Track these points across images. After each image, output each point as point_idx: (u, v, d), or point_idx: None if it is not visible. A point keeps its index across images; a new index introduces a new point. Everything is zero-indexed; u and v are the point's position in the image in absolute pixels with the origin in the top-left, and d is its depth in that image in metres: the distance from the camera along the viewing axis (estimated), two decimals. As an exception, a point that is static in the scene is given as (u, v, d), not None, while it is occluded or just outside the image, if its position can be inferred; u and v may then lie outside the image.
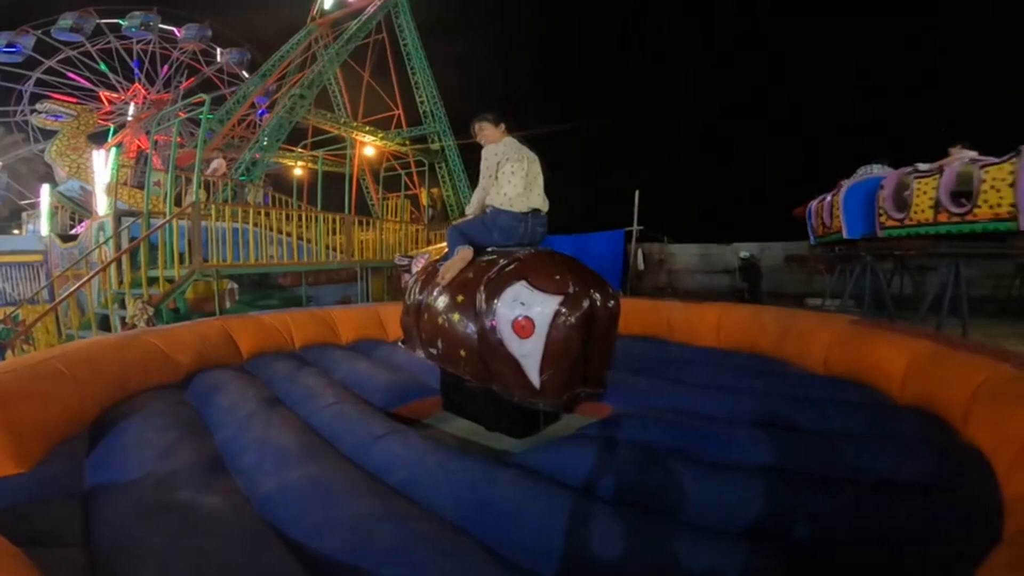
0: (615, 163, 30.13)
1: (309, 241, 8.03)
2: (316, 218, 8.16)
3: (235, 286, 6.99)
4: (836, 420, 2.37)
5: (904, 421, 2.30)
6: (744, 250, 13.43)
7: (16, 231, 15.73)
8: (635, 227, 10.64)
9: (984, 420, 1.94)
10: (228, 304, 6.79)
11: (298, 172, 17.43)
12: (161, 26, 21.14)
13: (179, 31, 21.62)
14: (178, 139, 9.04)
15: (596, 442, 2.24)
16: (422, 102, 19.70)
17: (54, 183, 12.01)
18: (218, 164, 10.53)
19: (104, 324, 6.27)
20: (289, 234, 7.61)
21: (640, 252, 11.65)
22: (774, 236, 15.33)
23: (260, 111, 19.12)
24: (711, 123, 30.40)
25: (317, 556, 1.42)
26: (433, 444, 2.24)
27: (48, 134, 14.39)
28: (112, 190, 8.92)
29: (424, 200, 17.37)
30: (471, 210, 3.04)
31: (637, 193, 10.35)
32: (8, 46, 18.15)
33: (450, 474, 1.95)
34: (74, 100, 18.23)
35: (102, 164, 9.57)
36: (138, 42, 20.76)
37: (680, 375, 3.38)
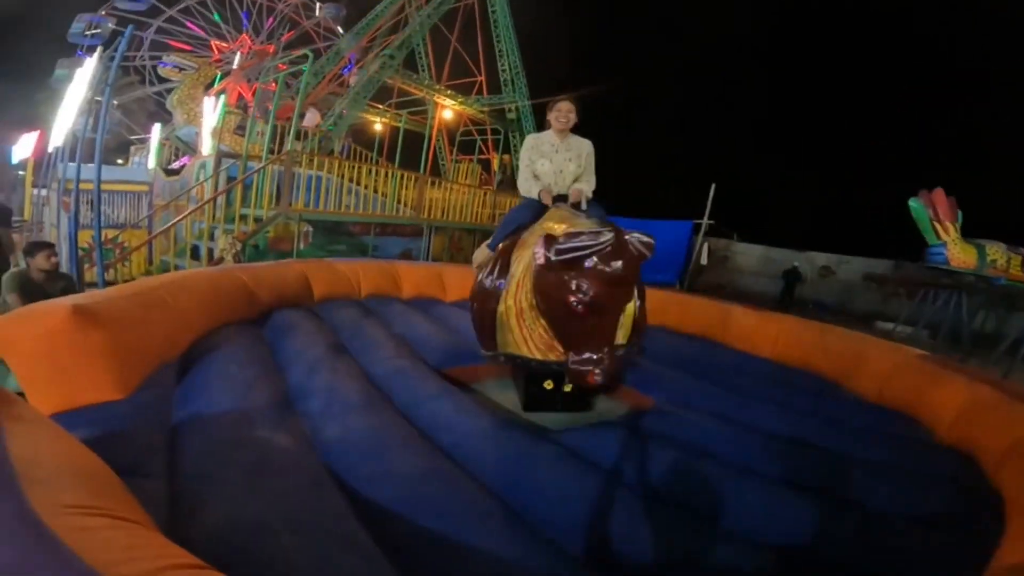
0: (695, 149, 28.82)
1: (383, 195, 8.42)
2: (392, 174, 8.52)
3: (310, 229, 7.45)
4: (872, 449, 2.36)
5: (939, 461, 2.30)
6: (800, 261, 13.49)
7: (120, 161, 17.22)
8: (705, 220, 10.27)
9: (1013, 469, 1.94)
10: (303, 245, 7.27)
11: (379, 128, 17.88)
12: None
13: None
14: (276, 88, 9.60)
15: (634, 431, 2.33)
16: (504, 70, 19.54)
17: (164, 121, 13.12)
18: (312, 115, 11.07)
19: (194, 253, 6.90)
20: (366, 187, 8.01)
21: (706, 247, 11.27)
22: (854, 250, 14.31)
23: (347, 67, 19.66)
24: (807, 117, 28.30)
25: (369, 504, 1.56)
26: (480, 410, 2.38)
27: (162, 79, 15.55)
28: (217, 133, 9.65)
29: (495, 166, 17.47)
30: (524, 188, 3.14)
31: (713, 186, 9.95)
32: None
33: (494, 442, 2.07)
34: (189, 48, 19.48)
35: (210, 109, 10.33)
36: None
37: (728, 379, 3.36)
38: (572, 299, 1.98)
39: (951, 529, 1.71)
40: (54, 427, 1.16)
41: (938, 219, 6.60)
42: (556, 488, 1.79)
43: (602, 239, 1.92)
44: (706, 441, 2.33)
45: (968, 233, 6.84)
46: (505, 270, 2.74)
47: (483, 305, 2.81)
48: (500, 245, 2.99)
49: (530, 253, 2.30)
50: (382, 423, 2.08)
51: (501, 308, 2.64)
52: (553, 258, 1.97)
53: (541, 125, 3.21)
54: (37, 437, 1.01)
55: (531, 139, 3.13)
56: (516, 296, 2.52)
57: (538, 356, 2.51)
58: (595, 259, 1.94)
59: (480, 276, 2.95)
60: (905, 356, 3.31)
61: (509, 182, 14.15)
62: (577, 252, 1.94)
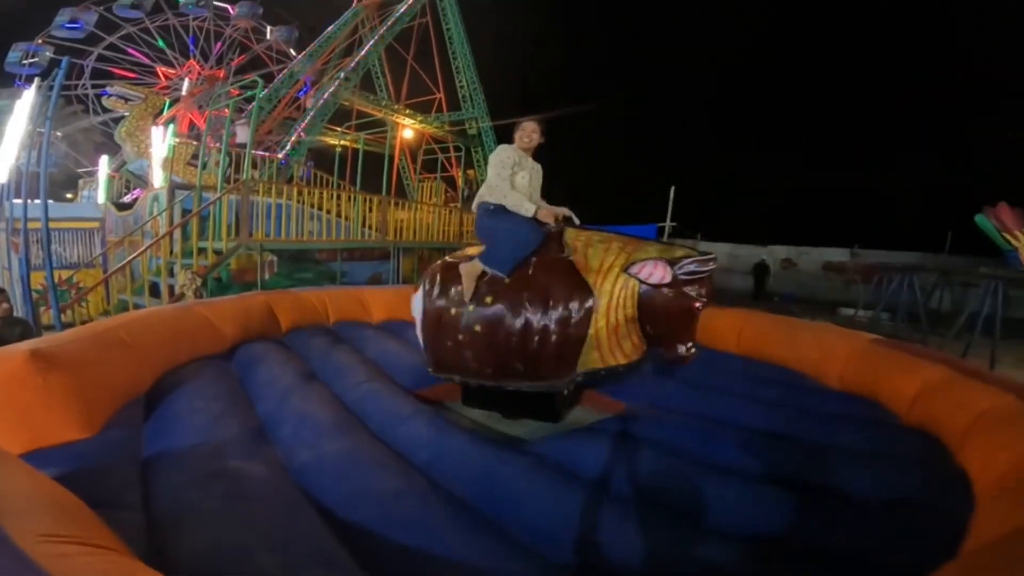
0: (652, 153, 29.64)
1: (347, 219, 8.37)
2: (354, 198, 8.49)
3: (274, 258, 7.34)
4: (838, 434, 2.44)
5: (903, 441, 2.37)
6: (764, 255, 14.20)
7: (69, 196, 16.57)
8: (668, 222, 10.57)
9: (976, 447, 2.01)
10: (267, 276, 7.15)
11: (338, 150, 17.84)
12: (215, 3, 21.70)
13: (232, 8, 22.16)
14: (227, 114, 9.46)
15: (607, 436, 2.37)
16: (462, 87, 19.85)
17: (111, 153, 12.71)
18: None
19: (154, 291, 6.71)
20: (328, 211, 7.95)
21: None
22: (813, 240, 14.97)
23: (302, 89, 19.54)
24: (756, 113, 29.50)
25: (347, 524, 1.59)
26: (454, 427, 2.40)
27: (107, 109, 15.11)
28: (168, 164, 9.43)
29: (460, 181, 17.59)
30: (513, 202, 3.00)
31: (673, 189, 10.27)
32: (71, 22, 18.78)
33: (469, 457, 2.10)
34: (133, 76, 18.99)
35: (159, 139, 10.08)
36: (194, 19, 21.32)
37: (696, 378, 3.44)
38: (698, 304, 2.59)
39: (923, 510, 1.77)
40: (23, 465, 1.19)
41: (1006, 229, 7.41)
42: (534, 498, 1.83)
43: (711, 258, 2.58)
44: (679, 441, 2.38)
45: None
46: (546, 295, 2.63)
47: (557, 333, 2.62)
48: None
49: (623, 277, 2.63)
50: (356, 445, 2.10)
51: (592, 331, 2.59)
52: (680, 276, 2.54)
53: (503, 141, 3.19)
54: (8, 475, 1.04)
55: (510, 149, 2.92)
56: (609, 315, 2.61)
57: (625, 361, 2.74)
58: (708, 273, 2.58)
59: (505, 307, 2.70)
60: (860, 342, 3.43)
61: (473, 197, 14.26)
62: (700, 272, 2.56)
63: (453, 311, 2.86)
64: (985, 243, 7.68)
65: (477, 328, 2.76)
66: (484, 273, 2.83)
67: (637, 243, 2.79)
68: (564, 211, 2.94)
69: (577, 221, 2.96)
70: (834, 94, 27.99)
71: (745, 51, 29.72)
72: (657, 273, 2.55)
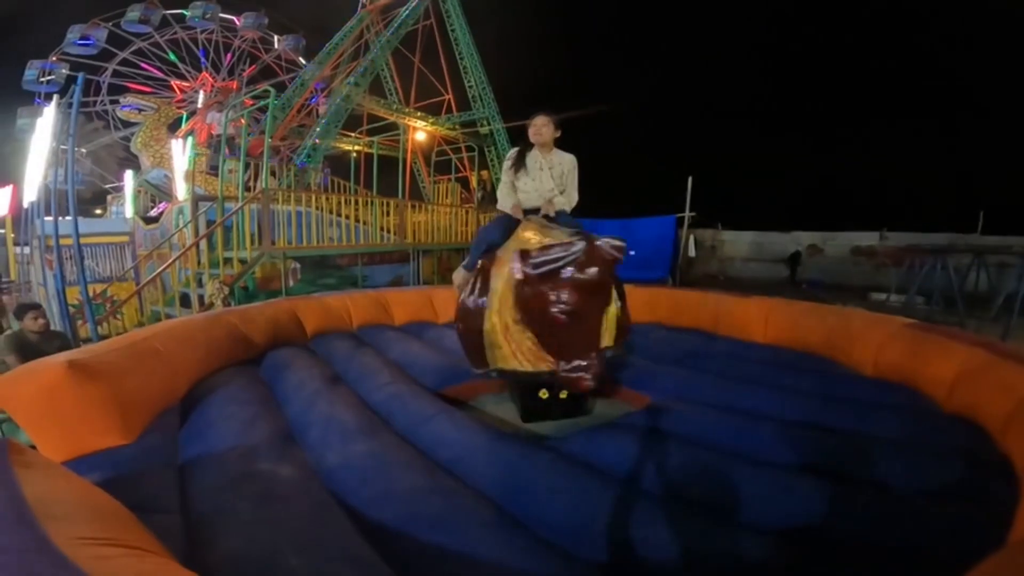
0: (670, 143, 29.24)
1: (365, 223, 8.48)
2: (372, 202, 8.57)
3: (298, 266, 7.45)
4: (874, 423, 2.36)
5: (943, 429, 2.28)
6: (797, 244, 14.49)
7: (99, 212, 17.07)
8: (687, 213, 10.41)
9: (1020, 433, 1.92)
10: (292, 283, 7.26)
11: (354, 155, 18.03)
12: (221, 15, 22.00)
13: (238, 19, 22.48)
14: (243, 125, 9.65)
15: (632, 431, 2.34)
16: (470, 86, 19.80)
17: (135, 168, 13.07)
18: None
19: (184, 301, 6.89)
20: (347, 217, 8.05)
21: (692, 239, 11.44)
22: (840, 225, 14.61)
23: (314, 96, 19.77)
24: (776, 98, 28.87)
25: (374, 524, 1.61)
26: (478, 425, 2.40)
27: (127, 123, 15.53)
28: (190, 177, 9.66)
29: (474, 183, 17.61)
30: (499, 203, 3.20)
31: (691, 179, 10.11)
32: (82, 39, 19.17)
33: (493, 454, 2.09)
34: (149, 90, 19.43)
35: (180, 152, 10.33)
36: (202, 32, 21.69)
37: (723, 369, 3.40)
38: (554, 310, 2.10)
39: (967, 500, 1.70)
40: (65, 471, 1.24)
41: None
42: (560, 494, 1.81)
43: (573, 249, 2.02)
44: (707, 433, 2.34)
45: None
46: (485, 288, 2.77)
47: (468, 324, 2.82)
48: (478, 264, 2.98)
49: (508, 269, 2.35)
50: (382, 446, 2.12)
51: (487, 326, 2.65)
52: (531, 272, 2.05)
53: (515, 140, 3.24)
54: (49, 480, 1.08)
55: (511, 153, 3.18)
56: (500, 313, 2.57)
57: (528, 368, 2.56)
58: (570, 269, 2.04)
59: (462, 296, 2.95)
60: (893, 326, 3.33)
61: (490, 198, 14.28)
62: (552, 264, 2.04)
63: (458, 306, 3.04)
64: (1018, 220, 7.39)
65: (459, 325, 2.94)
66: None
67: (547, 231, 2.57)
68: (545, 201, 3.01)
69: (551, 213, 2.99)
70: (854, 76, 27.28)
71: (763, 37, 29.17)
72: (515, 267, 2.13)
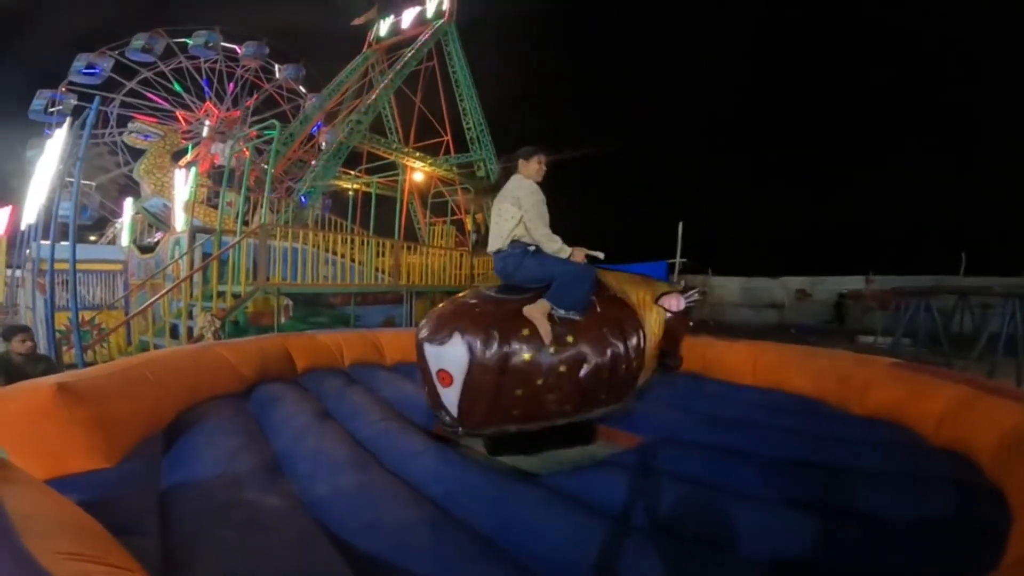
0: (659, 190, 30.00)
1: (360, 263, 8.48)
2: (367, 242, 8.64)
3: (290, 303, 7.44)
4: (864, 458, 2.40)
5: (932, 462, 2.33)
6: (773, 287, 14.62)
7: (92, 238, 16.90)
8: (678, 259, 10.56)
9: (1009, 463, 1.97)
10: (283, 319, 7.23)
11: (352, 193, 18.28)
12: (224, 44, 22.39)
13: (239, 48, 22.88)
14: (247, 157, 9.80)
15: (623, 468, 2.35)
16: (469, 128, 20.21)
17: (136, 196, 13.10)
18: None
19: (174, 332, 6.82)
20: (343, 255, 8.09)
21: (683, 284, 11.55)
22: (826, 270, 14.88)
23: (314, 128, 20.09)
24: (761, 146, 29.93)
25: (361, 555, 1.58)
26: (468, 462, 2.40)
27: (136, 153, 15.65)
28: (189, 207, 9.71)
29: (469, 226, 17.81)
30: (557, 247, 2.94)
31: (680, 225, 10.33)
32: (88, 67, 19.32)
33: (482, 490, 2.09)
34: (155, 120, 19.68)
35: (182, 182, 10.41)
36: (205, 61, 22.02)
37: (712, 410, 3.42)
38: (692, 324, 3.36)
39: (959, 527, 1.74)
40: (48, 489, 1.23)
41: None
42: (549, 529, 1.81)
43: (697, 293, 3.21)
44: (699, 471, 2.34)
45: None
46: (621, 327, 2.87)
47: (635, 359, 2.88)
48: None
49: (655, 307, 3.07)
50: (370, 479, 2.11)
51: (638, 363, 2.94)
52: (685, 306, 3.06)
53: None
54: (32, 497, 1.08)
55: (538, 187, 2.99)
56: (650, 340, 3.01)
57: (648, 377, 3.17)
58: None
59: (588, 344, 2.73)
60: (880, 366, 3.42)
61: (483, 241, 14.46)
62: (694, 301, 3.19)
63: (527, 356, 2.63)
64: (1000, 261, 7.60)
65: (562, 369, 2.68)
66: (550, 315, 2.72)
67: (644, 280, 3.29)
68: (586, 251, 3.05)
69: (601, 256, 3.16)
70: (839, 125, 28.36)
71: (748, 85, 30.48)
72: (677, 304, 3.07)
